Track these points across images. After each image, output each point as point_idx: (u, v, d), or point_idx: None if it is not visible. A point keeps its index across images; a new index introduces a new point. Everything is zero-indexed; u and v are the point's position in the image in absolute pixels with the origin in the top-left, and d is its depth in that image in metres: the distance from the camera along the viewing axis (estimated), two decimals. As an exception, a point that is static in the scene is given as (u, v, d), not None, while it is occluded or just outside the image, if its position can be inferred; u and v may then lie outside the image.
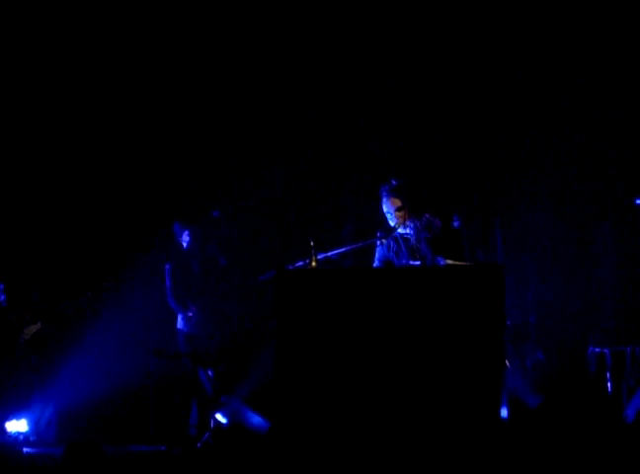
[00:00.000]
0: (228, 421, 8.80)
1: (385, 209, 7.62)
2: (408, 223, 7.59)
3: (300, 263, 7.20)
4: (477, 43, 10.33)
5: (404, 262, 7.57)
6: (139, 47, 10.46)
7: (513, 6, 10.23)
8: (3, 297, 9.33)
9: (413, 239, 7.61)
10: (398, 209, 7.55)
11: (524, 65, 10.31)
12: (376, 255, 7.77)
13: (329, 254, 7.37)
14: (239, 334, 9.90)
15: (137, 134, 10.61)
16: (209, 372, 9.10)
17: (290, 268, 7.13)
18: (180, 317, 9.62)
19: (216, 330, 9.61)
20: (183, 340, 9.61)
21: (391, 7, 10.34)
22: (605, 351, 9.47)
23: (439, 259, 7.36)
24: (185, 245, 9.71)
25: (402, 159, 10.21)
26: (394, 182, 7.62)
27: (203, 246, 9.69)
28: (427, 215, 7.62)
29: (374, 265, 7.74)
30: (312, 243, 7.12)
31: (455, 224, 9.36)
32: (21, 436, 9.02)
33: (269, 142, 10.42)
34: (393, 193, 7.57)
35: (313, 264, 7.12)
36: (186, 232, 9.68)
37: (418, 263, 7.45)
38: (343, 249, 7.53)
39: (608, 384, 9.32)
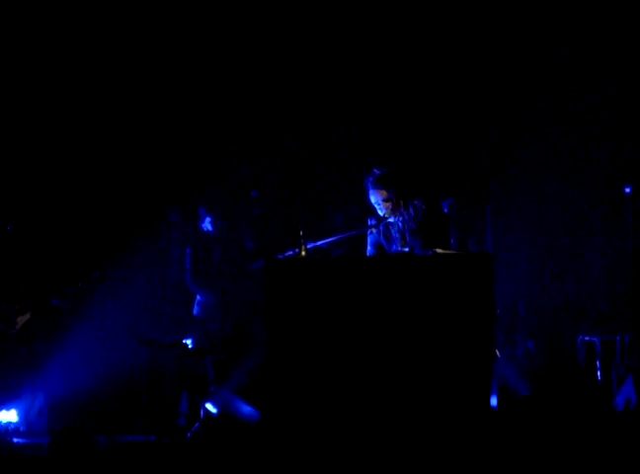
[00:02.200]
0: (218, 411, 8.79)
1: (373, 200, 7.58)
2: (396, 212, 7.57)
3: (290, 252, 7.19)
4: (467, 33, 10.33)
5: (394, 248, 7.56)
6: (135, 41, 10.45)
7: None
8: (-7, 287, 9.33)
9: (399, 230, 7.60)
10: (385, 200, 7.52)
11: (515, 54, 10.32)
12: (368, 240, 7.75)
13: (318, 243, 7.36)
14: (243, 323, 9.86)
15: (134, 128, 10.60)
16: (200, 362, 9.10)
17: (280, 257, 7.12)
18: (196, 302, 9.60)
19: (227, 317, 9.58)
20: (197, 326, 9.59)
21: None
22: (595, 339, 9.49)
23: (427, 247, 7.34)
24: (207, 230, 9.67)
25: (392, 147, 10.21)
26: (377, 171, 7.59)
27: (226, 233, 9.66)
28: (416, 202, 7.58)
29: (368, 250, 7.71)
30: (301, 232, 7.11)
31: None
32: (11, 427, 9.01)
33: (258, 131, 10.41)
34: (378, 183, 7.54)
35: (303, 253, 7.11)
36: (208, 218, 9.64)
37: (406, 249, 7.44)
38: (332, 238, 7.52)
39: (598, 373, 9.33)
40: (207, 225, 9.64)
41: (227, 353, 9.31)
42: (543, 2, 10.23)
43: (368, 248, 7.72)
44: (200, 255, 9.59)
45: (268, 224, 10.30)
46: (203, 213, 9.67)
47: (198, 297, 9.58)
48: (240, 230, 9.93)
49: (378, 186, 7.53)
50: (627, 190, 9.58)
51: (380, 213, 7.57)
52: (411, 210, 7.57)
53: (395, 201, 7.52)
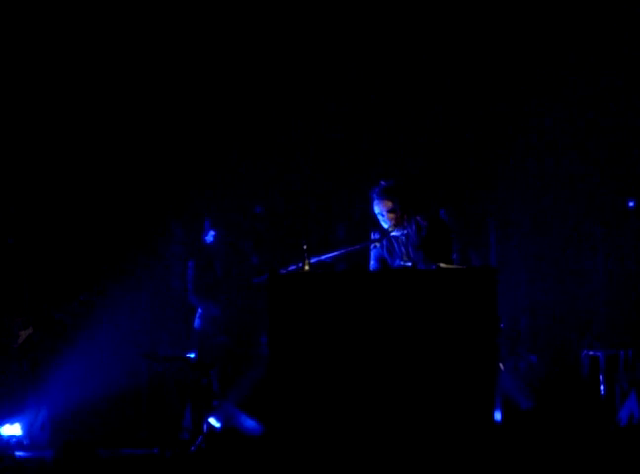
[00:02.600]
0: (222, 424, 8.78)
1: (377, 211, 7.60)
2: (400, 225, 7.58)
3: (293, 266, 7.19)
4: (469, 42, 10.33)
5: (397, 262, 7.57)
6: (136, 43, 10.45)
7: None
8: (-5, 301, 9.32)
9: (402, 244, 7.61)
10: (390, 211, 7.53)
11: (516, 66, 10.32)
12: (372, 254, 7.75)
13: (322, 257, 7.36)
14: (245, 336, 9.85)
15: (138, 142, 10.61)
16: (204, 375, 9.09)
17: (283, 271, 7.12)
18: (197, 315, 9.59)
19: (231, 330, 9.57)
20: (197, 340, 9.58)
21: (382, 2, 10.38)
22: (599, 353, 9.48)
23: (430, 261, 7.35)
24: (210, 243, 9.67)
25: (394, 160, 10.21)
26: (384, 183, 7.61)
27: (229, 247, 9.66)
28: (417, 218, 7.60)
29: (371, 264, 7.72)
30: (305, 246, 7.11)
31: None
32: (14, 440, 9.00)
33: (262, 144, 10.41)
34: (384, 194, 7.55)
35: (306, 267, 7.11)
36: (212, 232, 9.64)
37: (409, 264, 7.44)
38: (336, 252, 7.52)
39: (602, 387, 9.32)
40: (211, 238, 9.64)
41: (230, 366, 9.31)
42: (548, 9, 10.23)
43: (372, 262, 7.73)
44: (201, 268, 9.60)
45: (271, 240, 10.30)
46: (208, 226, 9.68)
47: (199, 310, 9.58)
48: (244, 244, 9.93)
49: (383, 196, 7.54)
50: (631, 204, 9.59)
51: (384, 225, 7.57)
52: (414, 225, 7.58)
53: (400, 214, 7.53)
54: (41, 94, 10.46)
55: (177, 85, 10.57)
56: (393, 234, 7.62)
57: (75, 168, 10.53)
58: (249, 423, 8.72)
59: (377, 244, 7.64)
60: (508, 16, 10.25)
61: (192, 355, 9.47)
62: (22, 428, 9.15)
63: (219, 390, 9.06)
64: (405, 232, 7.60)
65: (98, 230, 10.50)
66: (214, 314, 9.50)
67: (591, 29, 10.09)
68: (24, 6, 10.34)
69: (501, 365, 7.30)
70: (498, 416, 6.57)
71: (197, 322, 9.60)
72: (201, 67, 10.58)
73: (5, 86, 10.38)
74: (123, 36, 10.43)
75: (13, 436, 9.03)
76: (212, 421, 8.79)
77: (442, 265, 7.17)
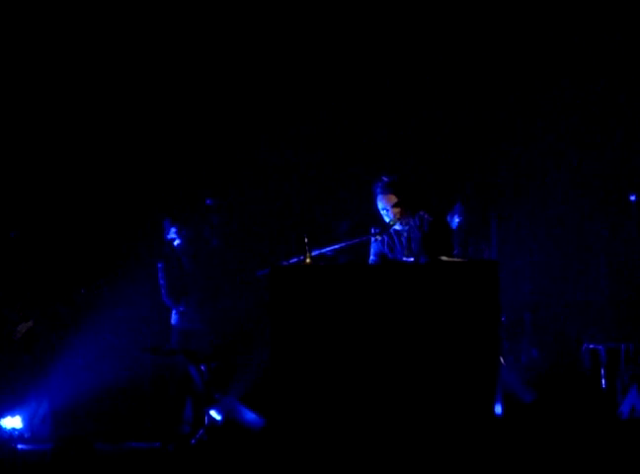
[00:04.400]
0: (222, 417, 8.79)
1: (381, 206, 7.60)
2: (404, 220, 7.58)
3: (295, 259, 7.19)
4: (472, 36, 10.32)
5: (398, 257, 7.57)
6: (129, 36, 10.44)
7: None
8: (-3, 294, 9.33)
9: (405, 238, 7.62)
10: (395, 205, 7.55)
11: (521, 60, 10.31)
12: (372, 250, 7.76)
13: (323, 250, 7.36)
14: (233, 329, 9.87)
15: (127, 132, 10.59)
16: (202, 369, 9.09)
17: (285, 264, 7.12)
18: (174, 313, 9.61)
19: (210, 326, 9.59)
20: (177, 336, 9.59)
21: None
22: (600, 347, 9.47)
23: (431, 257, 7.35)
24: (173, 241, 9.67)
25: (397, 154, 10.20)
26: (385, 178, 7.61)
27: (193, 241, 9.65)
28: (421, 213, 7.61)
29: (370, 259, 7.73)
30: (306, 239, 7.11)
31: (457, 220, 9.36)
32: (15, 433, 9.01)
33: (264, 137, 10.41)
34: (388, 189, 7.56)
35: (307, 260, 7.11)
36: (173, 229, 9.63)
37: (411, 259, 7.45)
38: (337, 245, 7.52)
39: (603, 381, 9.32)
40: (173, 235, 9.62)
41: (226, 361, 9.31)
42: (551, 7, 10.24)
43: (371, 257, 7.74)
44: (171, 269, 9.59)
45: (265, 233, 10.30)
46: (168, 225, 9.66)
47: (180, 308, 9.58)
48: (206, 229, 9.91)
49: (387, 191, 7.55)
50: (632, 197, 9.58)
51: (387, 219, 7.58)
52: (417, 220, 7.59)
53: (404, 208, 7.54)
54: (39, 91, 10.46)
55: (171, 81, 10.55)
56: (395, 228, 7.62)
57: (76, 163, 10.53)
58: (250, 416, 8.73)
59: (378, 237, 7.64)
60: (514, 9, 10.24)
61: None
62: (23, 420, 9.16)
63: (210, 385, 9.04)
64: (407, 227, 7.61)
65: (99, 223, 10.50)
66: (186, 314, 9.51)
67: (595, 24, 10.09)
68: (24, 6, 10.34)
69: (502, 359, 7.30)
70: (499, 409, 6.57)
71: (174, 319, 9.60)
72: (198, 62, 10.55)
73: (4, 82, 10.38)
74: (117, 28, 10.41)
75: (14, 429, 9.04)
76: (213, 414, 8.79)
77: (444, 258, 7.18)
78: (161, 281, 9.63)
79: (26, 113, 10.47)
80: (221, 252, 9.86)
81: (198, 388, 9.22)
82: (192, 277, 9.60)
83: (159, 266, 9.65)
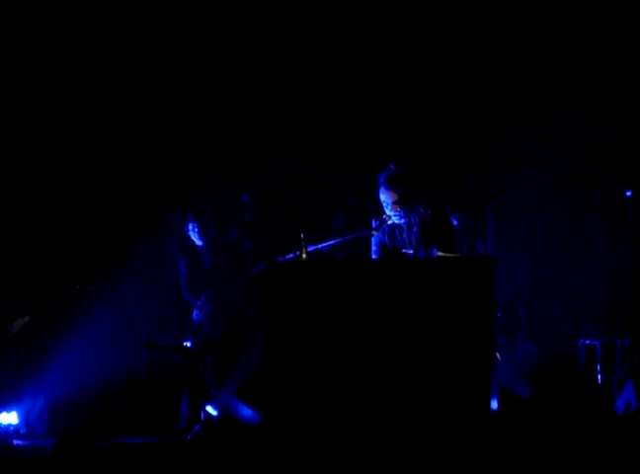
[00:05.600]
0: (219, 413, 8.79)
1: (382, 198, 7.61)
2: (402, 215, 7.59)
3: (290, 255, 7.19)
4: (469, 33, 10.33)
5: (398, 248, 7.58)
6: (126, 32, 10.44)
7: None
8: (-8, 289, 9.33)
9: (405, 232, 7.62)
10: (394, 202, 7.55)
11: (517, 57, 10.32)
12: (373, 240, 7.75)
13: (319, 246, 7.36)
14: (233, 325, 9.87)
15: (135, 131, 10.59)
16: (201, 365, 9.10)
17: (281, 260, 7.12)
18: (195, 306, 9.62)
19: (222, 320, 9.58)
20: (193, 330, 9.61)
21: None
22: (596, 343, 9.49)
23: (430, 250, 7.35)
24: (193, 237, 9.68)
25: (394, 150, 10.20)
26: (393, 167, 7.61)
27: (215, 240, 9.66)
28: (420, 209, 7.61)
29: (373, 250, 7.72)
30: (302, 235, 7.11)
31: (455, 223, 9.38)
32: (11, 429, 9.01)
33: (260, 133, 10.40)
34: (391, 184, 7.56)
35: (303, 256, 7.11)
36: (193, 225, 9.64)
37: (411, 251, 7.46)
38: (334, 241, 7.52)
39: (599, 376, 9.33)
40: (192, 232, 9.63)
41: (226, 356, 9.31)
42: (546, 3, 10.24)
43: (373, 248, 7.74)
44: (192, 267, 9.61)
45: (260, 228, 10.30)
46: (189, 219, 9.67)
47: (197, 303, 9.60)
48: (232, 235, 9.93)
49: (390, 185, 7.55)
50: (628, 193, 9.59)
51: (387, 211, 7.58)
52: (415, 216, 7.59)
53: (402, 204, 7.54)
54: (37, 86, 10.45)
55: (170, 75, 10.55)
56: (395, 222, 7.62)
57: (74, 158, 10.52)
58: (246, 412, 8.73)
59: (374, 233, 7.65)
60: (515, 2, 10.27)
61: (188, 345, 9.48)
62: (19, 416, 9.16)
63: (215, 380, 9.06)
64: (407, 221, 7.61)
65: (96, 219, 10.49)
66: (210, 307, 9.52)
67: (594, 17, 10.09)
68: (24, 6, 10.33)
69: (498, 354, 7.30)
70: (495, 405, 6.58)
71: (195, 313, 9.62)
72: (196, 57, 10.55)
73: (4, 78, 10.38)
74: (117, 28, 10.41)
75: (10, 425, 9.04)
76: (209, 409, 8.80)
77: (440, 254, 7.18)
78: (181, 277, 9.65)
79: (26, 103, 10.46)
80: (249, 252, 9.88)
81: (199, 383, 9.23)
82: (210, 274, 9.61)
83: (181, 263, 9.66)
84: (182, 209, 9.86)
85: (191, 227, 9.62)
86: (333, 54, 10.43)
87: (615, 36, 10.10)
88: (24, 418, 9.20)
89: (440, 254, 7.18)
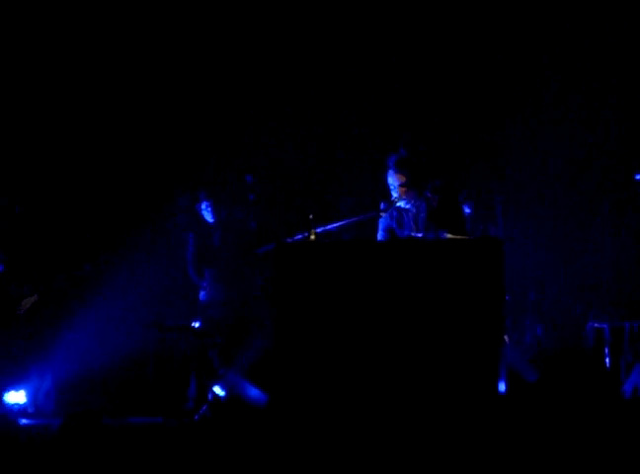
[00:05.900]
0: (226, 393, 8.80)
1: (390, 181, 7.62)
2: (409, 199, 7.58)
3: (299, 236, 7.18)
4: (477, 17, 10.31)
5: (407, 232, 7.58)
6: (123, 26, 10.43)
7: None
8: (1, 268, 9.32)
9: (412, 216, 7.61)
10: (402, 185, 7.55)
11: (523, 45, 10.29)
12: (380, 225, 7.75)
13: (328, 227, 7.35)
14: (243, 306, 9.87)
15: (141, 112, 10.59)
16: (209, 345, 9.12)
17: (289, 241, 7.11)
18: (202, 287, 9.63)
19: (232, 299, 9.58)
20: (201, 310, 9.61)
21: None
22: (604, 326, 9.48)
23: (440, 232, 7.35)
24: (206, 216, 9.68)
25: (401, 133, 10.19)
26: (403, 151, 7.63)
27: (224, 218, 9.66)
28: (427, 194, 7.61)
29: (379, 234, 7.72)
30: (311, 216, 7.09)
31: (468, 211, 9.37)
32: (19, 408, 9.03)
33: (268, 114, 10.39)
34: (400, 168, 7.57)
35: (312, 237, 7.10)
36: (206, 203, 9.64)
37: (420, 234, 7.46)
38: (342, 222, 7.51)
39: (607, 360, 9.32)
40: (205, 211, 9.63)
41: (232, 337, 9.31)
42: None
43: (380, 232, 7.73)
44: (200, 240, 9.61)
45: (264, 209, 10.30)
46: (202, 197, 9.68)
47: (204, 283, 9.60)
48: (239, 214, 9.93)
49: (399, 169, 7.56)
50: (637, 176, 9.56)
51: (394, 194, 7.58)
52: (424, 200, 7.59)
53: (410, 189, 7.55)
54: (39, 77, 10.45)
55: (177, 58, 10.54)
56: (403, 206, 7.62)
57: (84, 139, 10.53)
58: (253, 392, 8.73)
59: (383, 214, 7.64)
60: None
61: (196, 325, 9.48)
62: (26, 395, 9.18)
63: (222, 360, 9.07)
64: (415, 204, 7.60)
65: (104, 200, 10.49)
66: (216, 287, 9.52)
67: (598, 10, 10.07)
68: (24, 6, 10.32)
69: (506, 337, 7.29)
70: (502, 387, 6.57)
71: (202, 294, 9.62)
72: (200, 41, 10.54)
73: (5, 73, 10.38)
74: (117, 28, 10.40)
75: (18, 404, 9.06)
76: (217, 390, 8.80)
77: (449, 236, 7.17)
78: (188, 251, 9.65)
79: (36, 87, 10.47)
80: (255, 232, 9.88)
81: (206, 364, 9.24)
82: (218, 253, 9.60)
83: (189, 236, 9.67)
84: (192, 189, 9.86)
85: (204, 206, 9.62)
86: (344, 35, 10.41)
87: (622, 25, 10.07)
88: (31, 397, 9.22)
89: (449, 236, 7.17)
